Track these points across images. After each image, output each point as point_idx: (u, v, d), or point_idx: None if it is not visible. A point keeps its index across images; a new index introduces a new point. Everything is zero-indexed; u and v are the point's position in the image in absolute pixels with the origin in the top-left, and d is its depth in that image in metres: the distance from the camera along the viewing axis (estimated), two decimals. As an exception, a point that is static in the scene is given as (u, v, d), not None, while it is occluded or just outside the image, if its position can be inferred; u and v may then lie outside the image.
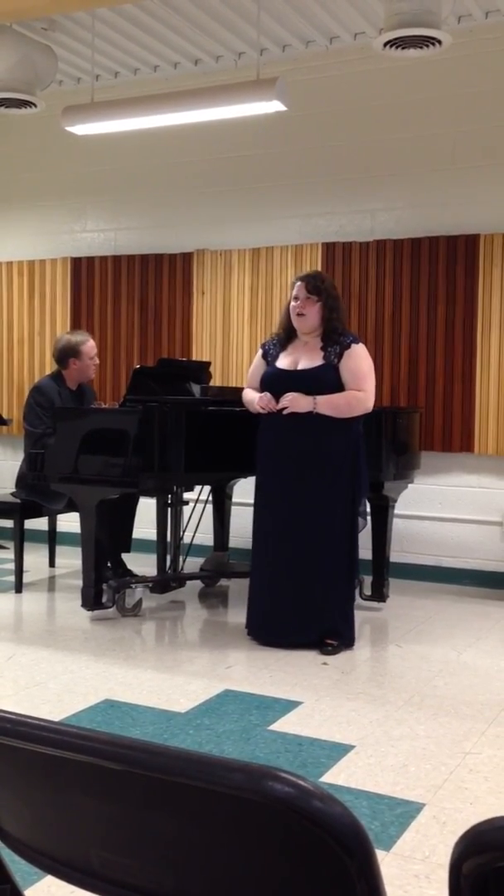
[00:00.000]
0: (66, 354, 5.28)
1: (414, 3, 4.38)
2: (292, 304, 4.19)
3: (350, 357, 4.13)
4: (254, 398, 4.24)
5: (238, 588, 5.17)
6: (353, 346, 4.16)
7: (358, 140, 5.78)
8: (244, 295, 6.09)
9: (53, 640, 4.32)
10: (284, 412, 4.08)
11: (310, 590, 4.11)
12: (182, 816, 0.81)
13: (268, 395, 4.17)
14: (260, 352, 4.40)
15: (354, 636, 4.21)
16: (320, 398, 4.05)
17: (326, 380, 4.10)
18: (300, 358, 4.19)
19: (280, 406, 4.09)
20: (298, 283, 4.20)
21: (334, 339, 4.16)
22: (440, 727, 3.22)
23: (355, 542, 4.17)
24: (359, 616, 4.69)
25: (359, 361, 4.15)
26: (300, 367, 4.16)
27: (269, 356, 4.30)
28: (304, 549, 4.10)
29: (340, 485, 4.10)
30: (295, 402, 4.06)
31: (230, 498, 5.60)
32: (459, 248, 5.49)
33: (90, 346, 5.32)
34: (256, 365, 4.38)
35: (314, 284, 4.16)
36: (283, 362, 4.22)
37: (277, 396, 4.14)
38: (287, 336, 4.26)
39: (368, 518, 4.42)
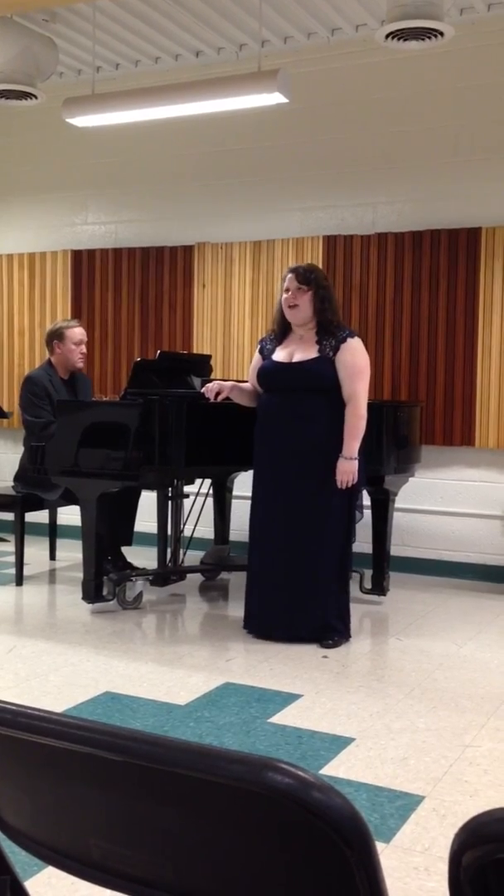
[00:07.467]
0: (51, 338, 5.36)
1: (416, -6, 4.36)
2: (284, 296, 4.20)
3: (346, 351, 4.12)
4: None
5: (238, 581, 5.17)
6: (349, 340, 4.14)
7: (359, 133, 5.76)
8: (245, 288, 6.07)
9: (54, 632, 4.33)
10: (342, 485, 4.05)
11: (303, 584, 4.11)
12: (182, 807, 0.81)
13: (216, 383, 4.31)
14: (257, 348, 4.41)
15: (350, 630, 4.21)
16: (346, 447, 4.05)
17: (322, 373, 4.09)
18: (295, 351, 4.19)
19: (342, 487, 4.05)
20: (289, 274, 4.21)
21: (330, 331, 4.15)
22: (440, 720, 3.23)
23: (350, 537, 4.18)
24: (359, 609, 4.70)
25: (355, 356, 4.14)
26: (295, 359, 4.17)
27: (266, 351, 4.31)
28: (298, 543, 4.10)
29: (335, 479, 4.09)
30: (344, 475, 4.04)
31: (231, 491, 5.60)
32: (461, 241, 5.48)
33: (76, 331, 5.32)
34: (255, 361, 4.39)
35: (304, 275, 4.17)
36: (279, 355, 4.23)
37: (275, 389, 4.17)
38: (283, 331, 4.27)
39: (367, 511, 4.43)
